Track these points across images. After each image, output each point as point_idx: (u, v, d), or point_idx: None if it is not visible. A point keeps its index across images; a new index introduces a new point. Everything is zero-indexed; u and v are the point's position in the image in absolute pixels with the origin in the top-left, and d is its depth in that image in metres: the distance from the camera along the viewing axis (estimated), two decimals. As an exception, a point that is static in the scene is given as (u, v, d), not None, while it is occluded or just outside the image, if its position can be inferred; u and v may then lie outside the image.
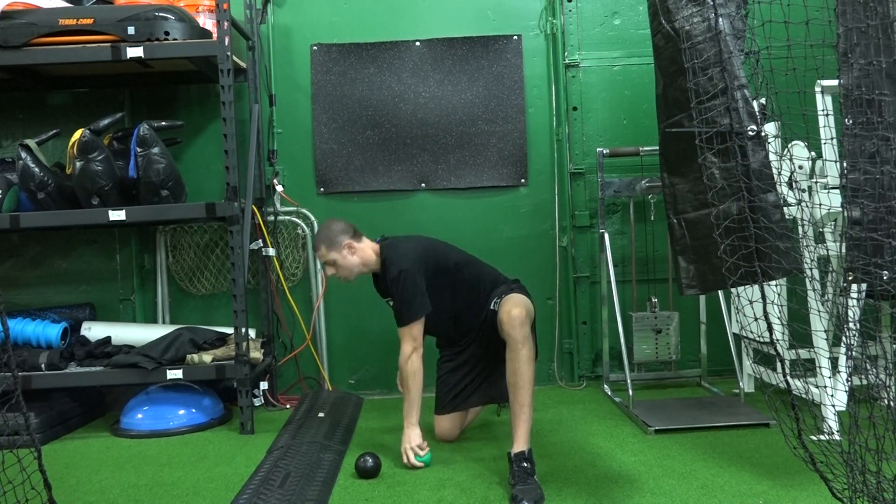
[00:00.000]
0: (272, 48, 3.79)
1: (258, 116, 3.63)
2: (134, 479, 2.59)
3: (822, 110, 2.48)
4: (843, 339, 2.63)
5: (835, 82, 2.04)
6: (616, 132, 3.82)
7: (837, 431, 2.54)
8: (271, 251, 3.65)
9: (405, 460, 2.58)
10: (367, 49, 3.77)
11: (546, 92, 3.82)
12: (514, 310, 2.50)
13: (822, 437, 2.31)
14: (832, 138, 2.43)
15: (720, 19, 1.95)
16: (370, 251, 2.76)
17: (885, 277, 1.85)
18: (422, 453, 2.60)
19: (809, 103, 2.05)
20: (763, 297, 1.89)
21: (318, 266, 3.73)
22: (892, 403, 1.77)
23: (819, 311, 2.64)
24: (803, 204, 2.61)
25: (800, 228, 2.52)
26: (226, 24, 3.14)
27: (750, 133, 1.94)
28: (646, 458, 2.57)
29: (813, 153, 2.73)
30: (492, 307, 2.74)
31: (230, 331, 3.36)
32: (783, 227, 1.93)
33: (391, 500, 2.28)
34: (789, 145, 2.72)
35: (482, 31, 3.79)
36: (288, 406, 3.52)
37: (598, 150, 3.58)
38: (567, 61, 3.79)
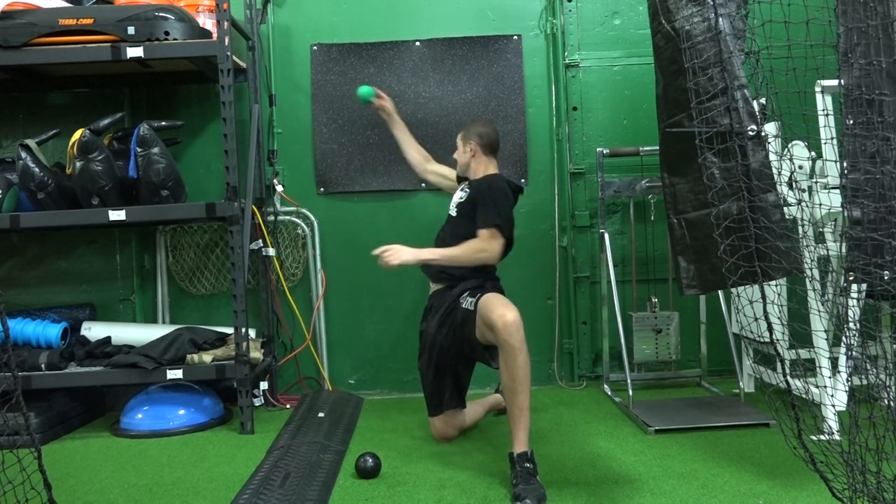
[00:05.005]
0: (272, 48, 3.79)
1: (258, 116, 3.63)
2: (134, 479, 2.59)
3: (822, 110, 2.47)
4: (843, 339, 2.63)
5: (835, 82, 2.04)
6: (616, 132, 3.82)
7: (837, 431, 2.54)
8: (271, 251, 3.65)
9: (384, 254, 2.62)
10: (367, 49, 3.77)
11: (546, 92, 3.82)
12: (508, 314, 2.43)
13: (822, 437, 2.31)
14: (832, 138, 2.43)
15: (720, 19, 1.95)
16: (482, 167, 2.96)
17: (885, 277, 1.85)
18: (394, 261, 2.60)
19: (809, 103, 2.05)
20: (763, 297, 1.90)
21: (318, 266, 3.74)
22: (892, 403, 1.77)
23: (819, 311, 2.64)
24: (803, 204, 2.61)
25: (800, 228, 2.52)
26: (226, 24, 3.14)
27: (750, 133, 1.94)
28: (646, 458, 2.57)
29: (813, 153, 2.73)
30: (464, 305, 2.70)
31: (230, 331, 3.36)
32: (783, 227, 1.93)
33: (391, 500, 2.28)
34: (789, 145, 2.72)
35: (482, 31, 3.79)
36: (288, 406, 3.52)
37: (598, 150, 3.58)
38: (567, 61, 3.79)
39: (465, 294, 2.73)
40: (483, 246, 2.70)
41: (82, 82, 3.71)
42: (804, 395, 2.28)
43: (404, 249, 2.63)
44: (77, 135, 3.06)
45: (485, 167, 2.97)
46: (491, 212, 2.74)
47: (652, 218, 3.68)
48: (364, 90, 3.22)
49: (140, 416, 3.21)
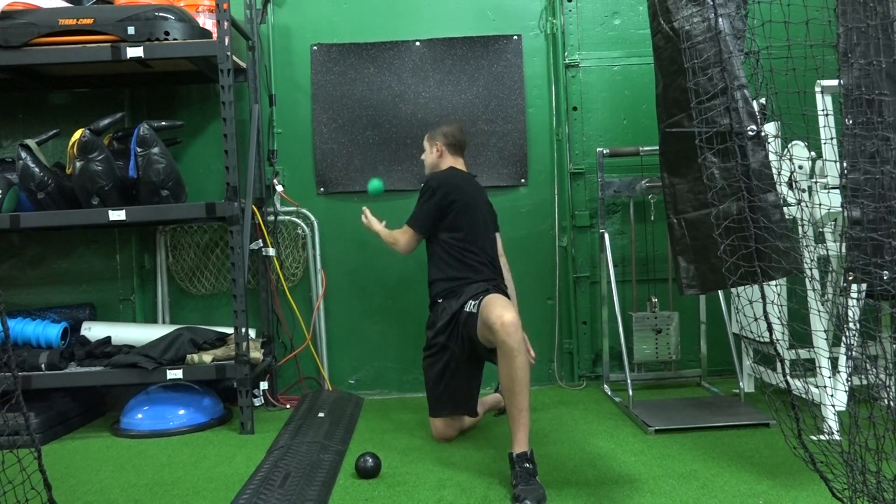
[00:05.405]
0: (272, 48, 3.79)
1: (258, 116, 3.63)
2: (134, 479, 2.59)
3: (822, 110, 2.48)
4: (843, 339, 2.63)
5: (835, 82, 2.05)
6: (616, 132, 3.82)
7: (837, 431, 2.54)
8: (271, 251, 3.65)
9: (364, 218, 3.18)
10: (367, 49, 3.77)
11: (546, 92, 3.82)
12: (506, 315, 2.44)
13: (822, 437, 2.31)
14: (832, 138, 2.43)
15: (720, 19, 1.95)
16: (444, 165, 3.10)
17: (885, 277, 1.85)
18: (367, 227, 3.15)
19: (809, 103, 2.05)
20: (763, 297, 1.89)
21: (318, 266, 3.74)
22: (892, 403, 1.77)
23: (819, 311, 2.64)
24: (803, 204, 2.61)
25: (800, 228, 2.52)
26: (226, 24, 3.14)
27: (750, 133, 1.94)
28: (646, 458, 2.57)
29: (813, 153, 2.73)
30: (468, 309, 2.72)
31: (230, 331, 3.36)
32: (783, 227, 1.93)
33: (391, 500, 2.28)
34: (789, 145, 2.72)
35: (482, 31, 3.79)
36: (288, 406, 3.52)
37: (598, 150, 3.58)
38: (567, 61, 3.79)
39: (469, 299, 2.75)
40: (397, 237, 3.04)
41: (82, 82, 3.71)
42: (804, 395, 2.29)
43: (373, 221, 3.16)
44: (77, 135, 3.06)
45: (444, 165, 3.10)
46: (414, 211, 2.99)
47: (652, 218, 3.68)
48: (375, 186, 3.28)
49: (140, 416, 3.21)
